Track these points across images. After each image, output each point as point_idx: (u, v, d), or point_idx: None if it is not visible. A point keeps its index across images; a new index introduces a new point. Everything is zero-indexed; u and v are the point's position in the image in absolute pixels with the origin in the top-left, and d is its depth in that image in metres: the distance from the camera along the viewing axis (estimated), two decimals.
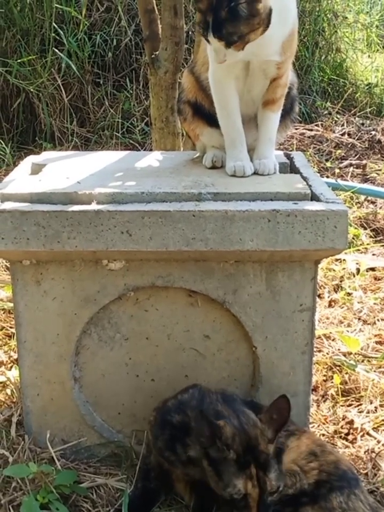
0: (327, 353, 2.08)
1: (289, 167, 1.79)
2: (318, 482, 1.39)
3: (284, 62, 1.55)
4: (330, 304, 2.43)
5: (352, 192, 3.17)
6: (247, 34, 1.43)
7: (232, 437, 1.29)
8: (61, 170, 1.70)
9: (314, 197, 1.52)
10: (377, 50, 5.62)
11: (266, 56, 1.53)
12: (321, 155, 4.01)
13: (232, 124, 1.62)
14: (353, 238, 2.88)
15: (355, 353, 2.07)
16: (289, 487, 1.38)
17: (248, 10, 1.40)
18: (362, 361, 2.06)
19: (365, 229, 3.04)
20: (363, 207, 3.28)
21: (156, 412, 1.49)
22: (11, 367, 2.01)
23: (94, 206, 1.46)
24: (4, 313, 2.28)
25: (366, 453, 1.68)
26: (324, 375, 1.99)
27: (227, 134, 1.63)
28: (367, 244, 2.88)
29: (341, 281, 2.57)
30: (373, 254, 2.82)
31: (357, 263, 2.66)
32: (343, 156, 4.03)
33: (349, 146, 4.18)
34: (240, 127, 1.62)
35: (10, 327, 2.19)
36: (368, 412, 1.83)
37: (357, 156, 4.04)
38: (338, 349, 2.11)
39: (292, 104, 1.74)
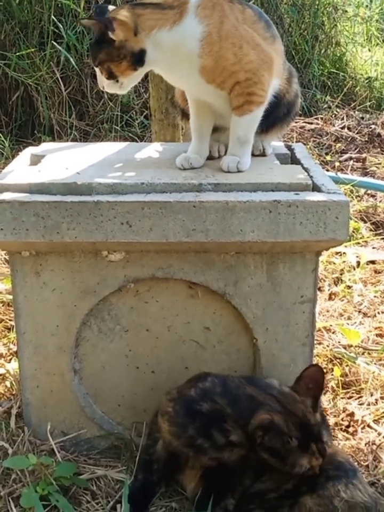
0: (328, 346, 2.08)
1: (290, 158, 1.79)
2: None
3: (222, 84, 1.54)
4: (331, 297, 2.43)
5: (352, 185, 3.16)
6: (105, 62, 1.50)
7: (285, 424, 1.33)
8: (60, 161, 1.69)
9: (315, 188, 1.51)
10: (377, 44, 5.60)
11: (195, 86, 1.57)
12: (321, 148, 4.00)
13: (193, 123, 1.67)
14: (353, 231, 2.87)
15: (355, 346, 2.07)
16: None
17: (100, 36, 1.49)
18: (363, 353, 2.05)
19: (365, 222, 3.03)
20: (363, 201, 3.27)
21: (175, 403, 1.46)
22: (10, 359, 2.00)
23: (93, 197, 1.45)
24: (2, 305, 2.27)
25: (367, 445, 1.68)
26: (324, 368, 1.98)
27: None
28: (367, 237, 2.88)
29: (341, 274, 2.56)
30: (373, 247, 2.81)
31: (357, 256, 2.65)
32: (343, 150, 4.02)
33: (349, 139, 4.17)
34: (198, 127, 1.66)
35: (10, 320, 2.19)
36: (368, 404, 1.83)
37: (357, 150, 4.03)
38: (339, 342, 2.11)
39: (288, 109, 1.73)
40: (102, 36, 1.48)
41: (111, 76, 1.52)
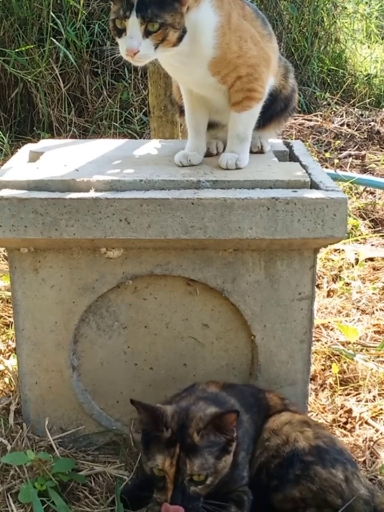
0: (326, 343, 2.08)
1: (289, 156, 1.79)
2: (319, 447, 1.39)
3: (226, 77, 1.54)
4: (329, 294, 2.43)
5: (351, 182, 3.16)
6: (168, 26, 1.38)
7: (171, 416, 1.32)
8: (58, 158, 1.69)
9: (313, 185, 1.51)
10: (377, 41, 5.59)
11: (199, 79, 1.54)
12: (320, 146, 3.99)
13: (189, 120, 1.66)
14: (352, 229, 2.88)
15: (353, 343, 2.07)
16: (281, 445, 1.40)
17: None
18: (361, 350, 2.06)
19: (364, 219, 3.03)
20: (362, 198, 3.27)
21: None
22: (9, 356, 2.00)
23: (92, 194, 1.45)
24: (1, 302, 2.28)
25: (364, 442, 1.68)
26: (323, 365, 1.99)
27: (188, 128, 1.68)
28: (366, 234, 2.88)
29: (339, 272, 2.56)
30: (372, 244, 2.82)
31: (355, 253, 2.66)
32: (342, 147, 4.02)
33: (348, 137, 4.17)
34: (195, 124, 1.65)
35: (8, 316, 2.19)
36: (366, 401, 1.83)
37: (356, 147, 4.03)
38: (337, 339, 2.11)
39: (285, 104, 1.74)
40: None
41: (162, 41, 1.39)
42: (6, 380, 1.88)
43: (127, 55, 1.40)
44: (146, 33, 1.38)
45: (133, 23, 1.37)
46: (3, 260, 2.62)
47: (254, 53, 1.54)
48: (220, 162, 1.59)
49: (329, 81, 4.89)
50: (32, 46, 3.96)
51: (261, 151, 1.73)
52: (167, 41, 1.40)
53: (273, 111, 1.69)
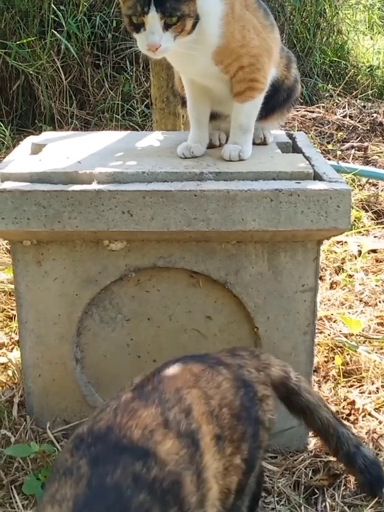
0: (329, 335, 2.08)
1: (292, 147, 1.78)
2: None
3: (229, 66, 1.53)
4: (332, 286, 2.43)
5: (353, 174, 3.15)
6: (185, 17, 1.40)
7: None
8: (61, 150, 1.68)
9: (317, 176, 1.51)
10: (379, 32, 5.57)
11: (202, 68, 1.53)
12: (323, 137, 3.98)
13: (191, 111, 1.65)
14: (355, 221, 2.87)
15: (356, 335, 2.07)
16: None
17: None
18: (364, 342, 2.06)
19: (367, 211, 3.02)
20: (365, 190, 3.26)
21: None
22: (12, 348, 2.01)
23: (94, 186, 1.45)
24: (4, 295, 2.28)
25: (368, 434, 1.68)
26: (326, 356, 1.99)
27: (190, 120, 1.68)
28: (369, 226, 2.87)
29: (342, 263, 2.56)
30: (375, 236, 2.81)
31: (358, 245, 2.65)
32: (345, 138, 4.01)
33: (351, 128, 4.15)
34: (197, 115, 1.64)
35: (11, 309, 2.19)
36: (369, 393, 1.83)
37: (359, 138, 4.02)
38: (340, 331, 2.11)
39: (288, 95, 1.73)
40: None
41: (180, 32, 1.40)
42: (10, 372, 1.88)
43: (148, 50, 1.41)
44: (166, 27, 1.39)
45: (153, 18, 1.38)
46: (5, 253, 2.62)
47: (256, 43, 1.53)
48: (222, 154, 1.58)
49: (331, 72, 4.87)
50: (33, 38, 3.94)
51: (264, 143, 1.73)
52: (184, 31, 1.41)
53: (276, 101, 1.69)
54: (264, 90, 1.59)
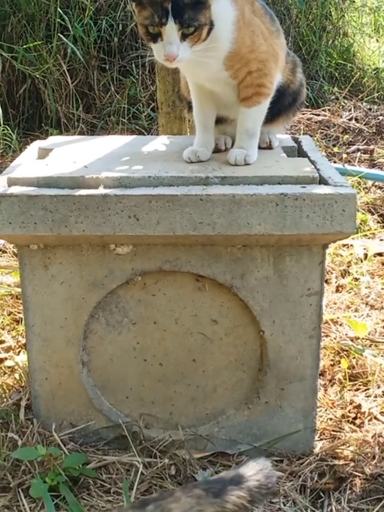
0: (335, 338, 2.08)
1: (297, 151, 1.79)
2: None
3: (238, 71, 1.53)
4: (338, 289, 2.43)
5: (359, 177, 3.15)
6: (202, 26, 1.41)
7: None
8: (67, 155, 1.69)
9: (322, 181, 1.51)
10: None
11: (212, 73, 1.53)
12: (329, 140, 3.98)
13: (197, 115, 1.65)
14: (360, 224, 2.87)
15: (362, 338, 2.07)
16: None
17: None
18: (370, 346, 2.06)
19: (373, 214, 3.02)
20: (371, 193, 3.26)
21: None
22: (19, 351, 2.02)
23: (101, 190, 1.45)
24: (11, 298, 2.29)
25: (373, 437, 1.68)
26: (331, 360, 1.99)
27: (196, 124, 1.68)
28: (375, 229, 2.87)
29: (348, 267, 2.56)
30: (381, 240, 2.81)
31: (364, 249, 2.65)
32: (351, 141, 4.01)
33: (356, 131, 4.15)
34: (203, 119, 1.64)
35: (18, 312, 2.20)
36: (375, 396, 1.83)
37: (365, 141, 4.02)
38: (346, 334, 2.11)
39: (294, 99, 1.74)
40: None
41: (197, 41, 1.41)
42: (16, 375, 1.89)
43: (165, 60, 1.42)
44: (183, 37, 1.40)
45: (171, 29, 1.38)
46: (12, 256, 2.63)
47: (264, 48, 1.54)
48: (228, 158, 1.59)
49: (337, 75, 4.87)
50: (40, 42, 3.97)
51: (270, 147, 1.73)
52: (200, 39, 1.42)
53: (281, 105, 1.69)
54: (270, 96, 1.60)
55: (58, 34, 3.95)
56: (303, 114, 4.18)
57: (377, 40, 5.48)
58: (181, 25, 1.38)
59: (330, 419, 1.75)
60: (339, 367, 1.95)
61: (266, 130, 1.71)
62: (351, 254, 2.63)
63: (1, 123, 3.80)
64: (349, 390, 1.87)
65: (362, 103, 4.56)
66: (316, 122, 4.20)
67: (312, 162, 1.62)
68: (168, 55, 1.40)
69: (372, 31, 5.59)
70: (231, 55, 1.50)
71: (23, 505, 1.45)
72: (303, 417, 1.63)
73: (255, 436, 1.65)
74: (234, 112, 1.63)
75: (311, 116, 4.28)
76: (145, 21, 1.42)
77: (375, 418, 1.76)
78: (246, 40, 1.50)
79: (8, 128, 3.82)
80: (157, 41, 1.42)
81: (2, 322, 2.17)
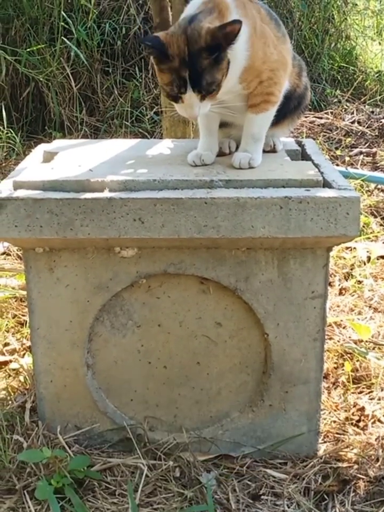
0: (338, 341, 2.09)
1: (301, 154, 1.79)
2: None
3: (250, 82, 1.55)
4: (341, 292, 2.43)
5: (362, 180, 3.16)
6: (221, 80, 1.44)
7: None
8: (72, 158, 1.70)
9: (326, 184, 1.52)
10: None
11: (228, 89, 1.53)
12: (331, 143, 3.99)
13: (201, 119, 1.65)
14: (363, 226, 2.87)
15: (366, 341, 2.08)
16: None
17: (224, 55, 1.41)
18: (373, 348, 2.06)
19: (375, 217, 3.03)
20: (373, 195, 3.27)
21: None
22: (24, 354, 2.02)
23: (106, 194, 1.46)
24: (16, 301, 2.30)
25: (377, 440, 1.69)
26: (335, 363, 2.00)
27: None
28: (378, 232, 2.88)
29: (351, 269, 2.56)
30: (383, 242, 2.81)
31: (367, 251, 2.66)
32: (353, 144, 4.02)
33: (359, 134, 4.16)
34: (207, 123, 1.64)
35: (23, 315, 2.21)
36: (379, 399, 1.84)
37: (367, 144, 4.03)
38: (349, 337, 2.12)
39: (299, 102, 1.75)
40: (216, 51, 1.40)
41: (218, 93, 1.45)
42: (21, 378, 1.90)
43: (186, 117, 1.50)
44: (203, 98, 1.44)
45: (190, 97, 1.43)
46: (16, 259, 2.64)
47: (275, 57, 1.55)
48: (232, 162, 1.59)
49: (339, 78, 4.88)
50: (43, 46, 3.98)
51: (273, 150, 1.74)
52: (219, 89, 1.45)
53: (287, 109, 1.70)
54: (278, 103, 1.61)
55: (62, 37, 3.97)
56: (306, 117, 4.19)
57: (379, 43, 5.49)
58: (200, 92, 1.42)
59: (334, 422, 1.76)
60: (343, 369, 1.95)
61: (271, 134, 1.71)
62: (354, 256, 2.63)
63: (5, 126, 3.81)
64: (353, 392, 1.87)
65: (364, 106, 4.57)
66: (319, 125, 4.21)
67: (316, 165, 1.63)
68: (190, 116, 1.48)
69: (375, 34, 5.60)
70: (246, 69, 1.51)
71: (29, 507, 1.46)
72: (307, 420, 1.64)
73: (259, 438, 1.65)
74: (240, 118, 1.63)
75: (314, 118, 4.29)
76: (166, 87, 1.45)
77: (379, 420, 1.76)
78: (259, 53, 1.51)
79: (12, 131, 3.84)
80: (178, 102, 1.46)
81: (7, 324, 2.18)
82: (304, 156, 1.77)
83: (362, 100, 4.67)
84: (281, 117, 1.70)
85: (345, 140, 4.02)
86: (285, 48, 1.63)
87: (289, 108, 1.72)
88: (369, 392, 1.87)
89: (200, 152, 1.63)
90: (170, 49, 1.40)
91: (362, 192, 3.22)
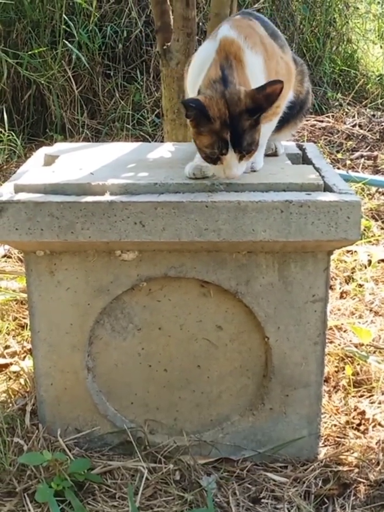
0: (339, 345, 2.09)
1: (302, 158, 1.80)
2: None
3: None
4: (342, 295, 2.43)
5: (363, 183, 3.16)
6: (258, 139, 1.45)
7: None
8: (74, 162, 1.70)
9: (327, 188, 1.52)
10: None
11: None
12: (332, 146, 3.99)
13: None
14: (364, 230, 2.87)
15: (367, 345, 2.08)
16: None
17: (254, 117, 1.42)
18: (374, 352, 2.06)
19: (376, 220, 3.03)
20: (374, 199, 3.27)
21: None
22: (25, 357, 2.02)
23: (107, 197, 1.46)
24: (17, 304, 2.30)
25: (378, 444, 1.69)
26: (336, 366, 2.00)
27: None
28: (379, 236, 2.88)
29: (352, 273, 2.57)
30: None
31: (368, 255, 2.66)
32: (354, 148, 4.02)
33: (360, 137, 4.16)
34: None
35: (23, 318, 2.21)
36: (379, 403, 1.83)
37: (368, 148, 4.03)
38: (350, 340, 2.11)
39: (301, 107, 1.76)
40: (257, 112, 1.41)
41: (255, 150, 1.46)
42: (22, 381, 1.90)
43: (225, 178, 1.48)
44: (241, 157, 1.44)
45: (231, 158, 1.43)
46: (17, 262, 2.65)
47: (283, 72, 1.57)
48: None
49: (341, 81, 4.88)
50: (45, 49, 3.99)
51: (275, 154, 1.74)
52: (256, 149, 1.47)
53: (289, 115, 1.71)
54: (280, 114, 1.63)
55: (63, 40, 3.98)
56: (307, 120, 4.20)
57: (381, 47, 5.49)
58: (240, 152, 1.42)
59: (335, 425, 1.76)
60: (343, 373, 1.95)
61: (272, 138, 1.71)
62: (355, 260, 2.63)
63: (6, 129, 3.82)
64: (353, 396, 1.87)
65: (366, 110, 4.58)
66: (320, 128, 4.22)
67: (317, 169, 1.63)
68: (230, 177, 1.46)
69: (376, 37, 5.60)
70: None
71: (29, 510, 1.46)
72: (308, 424, 1.64)
73: (259, 442, 1.65)
74: None
75: (315, 122, 4.29)
76: (206, 150, 1.44)
77: (379, 424, 1.76)
78: (272, 74, 1.52)
79: (13, 134, 3.84)
80: (216, 164, 1.46)
81: (7, 327, 2.18)
82: (305, 160, 1.77)
83: (363, 103, 4.67)
84: (284, 122, 1.71)
85: (346, 143, 4.03)
86: (285, 57, 1.63)
87: (292, 113, 1.72)
88: (369, 396, 1.87)
89: (199, 164, 1.56)
90: (211, 111, 1.40)
91: (363, 195, 3.22)
